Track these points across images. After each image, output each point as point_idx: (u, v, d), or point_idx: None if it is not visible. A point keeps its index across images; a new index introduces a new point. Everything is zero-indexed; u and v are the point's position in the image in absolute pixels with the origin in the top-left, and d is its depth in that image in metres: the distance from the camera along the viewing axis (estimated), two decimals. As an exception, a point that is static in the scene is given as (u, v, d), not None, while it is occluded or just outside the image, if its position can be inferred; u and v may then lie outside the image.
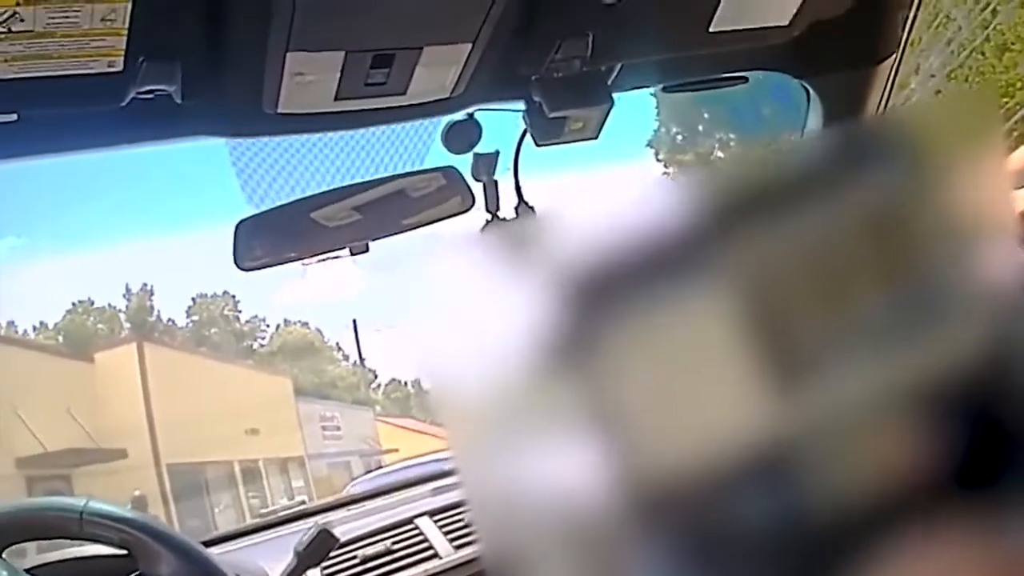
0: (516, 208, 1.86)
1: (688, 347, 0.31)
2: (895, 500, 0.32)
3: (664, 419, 0.31)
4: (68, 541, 1.61)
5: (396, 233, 1.86)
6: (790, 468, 0.32)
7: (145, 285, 22.44)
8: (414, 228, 1.87)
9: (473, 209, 1.85)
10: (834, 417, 0.31)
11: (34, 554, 1.82)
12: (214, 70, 1.39)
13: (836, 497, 0.31)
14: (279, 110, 1.48)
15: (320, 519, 1.94)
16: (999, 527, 0.32)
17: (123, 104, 1.36)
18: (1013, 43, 10.24)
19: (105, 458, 14.41)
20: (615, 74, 1.74)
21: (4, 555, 1.53)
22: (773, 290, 0.32)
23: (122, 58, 1.27)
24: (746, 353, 0.31)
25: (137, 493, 12.90)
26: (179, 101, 1.39)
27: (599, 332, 0.31)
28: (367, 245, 1.82)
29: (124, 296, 22.45)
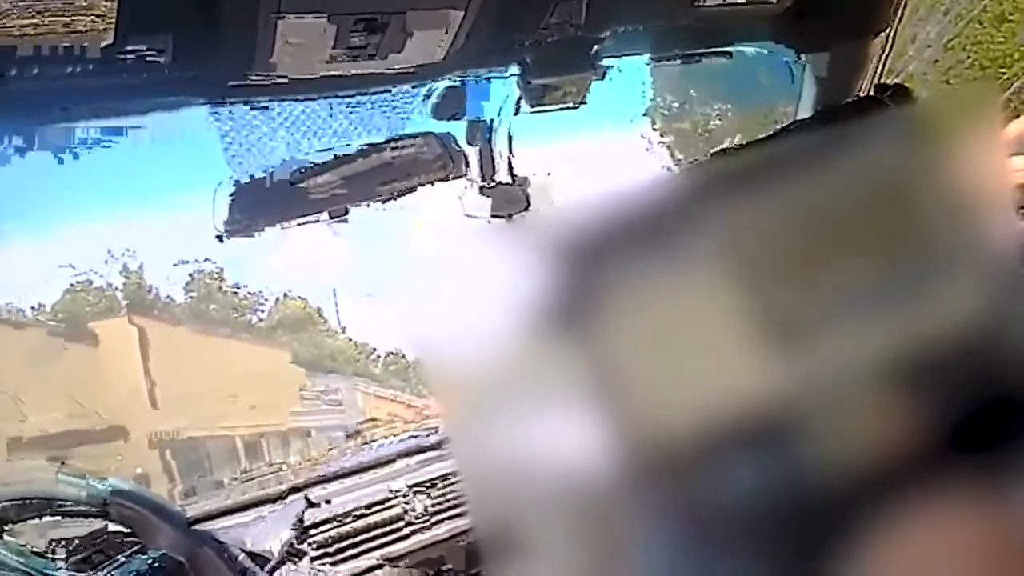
0: (509, 173, 1.87)
1: (686, 315, 0.32)
2: (893, 465, 0.33)
3: (662, 387, 0.32)
4: (69, 518, 1.63)
5: (385, 199, 1.87)
6: (787, 435, 0.33)
7: (142, 264, 22.43)
8: (404, 193, 1.89)
9: (465, 174, 1.86)
10: (830, 383, 0.33)
11: (33, 533, 1.84)
12: (205, 35, 1.40)
13: (834, 463, 0.33)
14: (269, 75, 1.49)
15: (311, 492, 1.97)
16: (996, 490, 0.34)
17: (113, 71, 1.36)
18: (1011, 14, 10.20)
19: (105, 437, 14.43)
20: (607, 41, 1.75)
21: (4, 535, 1.55)
22: (769, 257, 0.33)
23: (113, 27, 1.27)
24: (743, 321, 0.33)
25: (139, 471, 12.94)
26: (168, 67, 1.40)
27: (595, 299, 0.32)
28: (346, 209, 1.83)
29: (121, 274, 22.45)
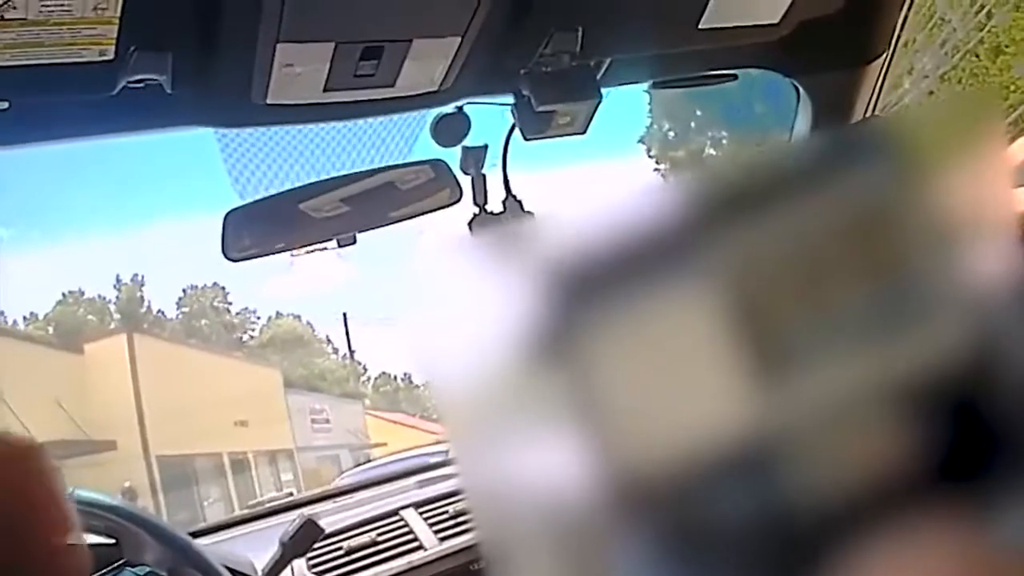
0: (504, 202, 1.86)
1: (672, 342, 0.32)
2: (877, 493, 0.32)
3: (648, 414, 0.32)
4: None
5: (384, 225, 1.86)
6: (772, 462, 0.32)
7: (136, 276, 22.38)
8: (402, 220, 1.88)
9: (461, 202, 1.85)
10: (817, 412, 0.32)
11: None
12: (204, 60, 1.39)
13: (818, 491, 0.32)
14: (268, 101, 1.49)
15: (307, 510, 1.95)
16: (983, 521, 0.33)
17: (114, 93, 1.36)
18: (1007, 46, 10.22)
19: (94, 449, 14.37)
20: (604, 69, 1.75)
21: None
22: (758, 286, 0.32)
23: (113, 47, 1.27)
24: (730, 349, 0.32)
25: (127, 484, 12.87)
26: (169, 90, 1.40)
27: (586, 327, 0.32)
28: (355, 236, 1.82)
29: (114, 287, 22.39)
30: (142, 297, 22.30)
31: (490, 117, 1.83)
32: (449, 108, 1.76)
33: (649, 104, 16.08)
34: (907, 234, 0.33)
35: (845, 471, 0.32)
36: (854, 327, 0.32)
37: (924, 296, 0.33)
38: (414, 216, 1.88)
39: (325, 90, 1.50)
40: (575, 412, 0.32)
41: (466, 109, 1.78)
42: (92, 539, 1.59)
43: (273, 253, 1.86)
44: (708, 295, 0.32)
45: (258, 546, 1.93)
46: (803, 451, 0.32)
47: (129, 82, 1.36)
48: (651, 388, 0.32)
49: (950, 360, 0.32)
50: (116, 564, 1.53)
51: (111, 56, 1.28)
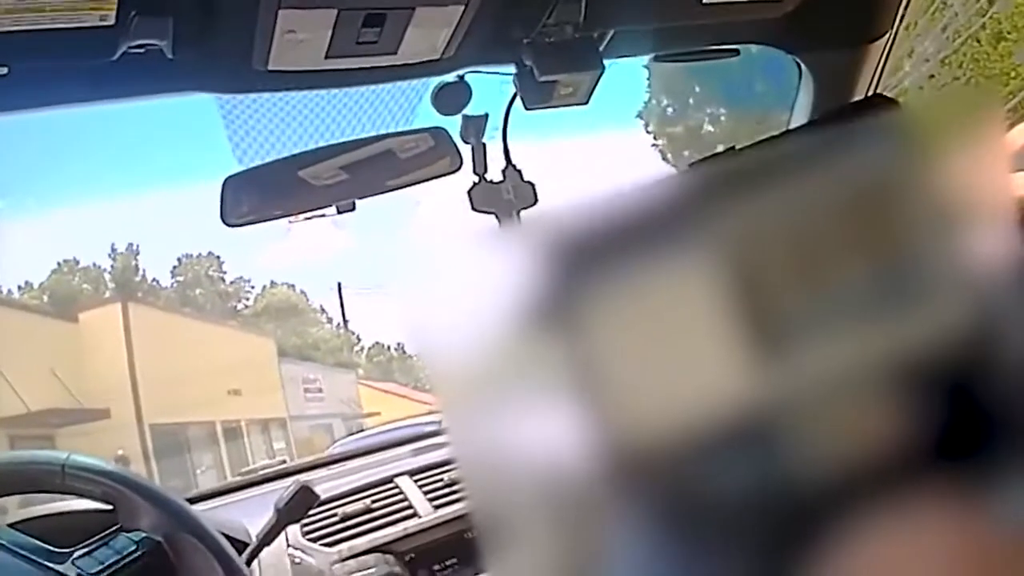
0: (503, 171, 1.86)
1: (671, 314, 0.32)
2: (876, 470, 0.32)
3: (645, 385, 0.32)
4: (50, 496, 1.61)
5: (383, 192, 1.86)
6: (770, 436, 0.32)
7: (131, 245, 22.33)
8: (401, 188, 1.87)
9: (460, 171, 1.85)
10: (815, 387, 0.32)
11: (15, 509, 1.82)
12: (206, 25, 1.38)
13: (816, 466, 0.32)
14: (270, 67, 1.48)
15: (301, 477, 1.95)
16: (980, 498, 0.33)
17: (114, 58, 1.35)
18: (1009, 32, 10.19)
19: (88, 418, 14.38)
20: (607, 41, 1.74)
21: None
22: (757, 261, 0.32)
23: (114, 12, 1.27)
24: (728, 322, 0.32)
25: (120, 452, 12.88)
26: (170, 56, 1.39)
27: (584, 297, 0.32)
28: (354, 203, 1.82)
29: (109, 255, 22.35)
30: (137, 266, 22.27)
31: (490, 87, 1.83)
32: (451, 77, 1.76)
33: (648, 79, 16.04)
34: (907, 214, 0.33)
35: (843, 447, 0.32)
36: (852, 305, 0.32)
37: (923, 276, 0.33)
38: (414, 184, 1.88)
39: (327, 57, 1.49)
40: (572, 382, 0.32)
41: (467, 78, 1.78)
42: (87, 504, 1.59)
43: (271, 219, 1.85)
44: (708, 269, 0.32)
45: (253, 512, 1.93)
46: (802, 426, 0.32)
47: (130, 47, 1.35)
48: (649, 360, 0.32)
49: (947, 339, 0.33)
50: (111, 529, 1.53)
51: (112, 21, 1.28)
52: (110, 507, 1.55)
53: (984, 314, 0.34)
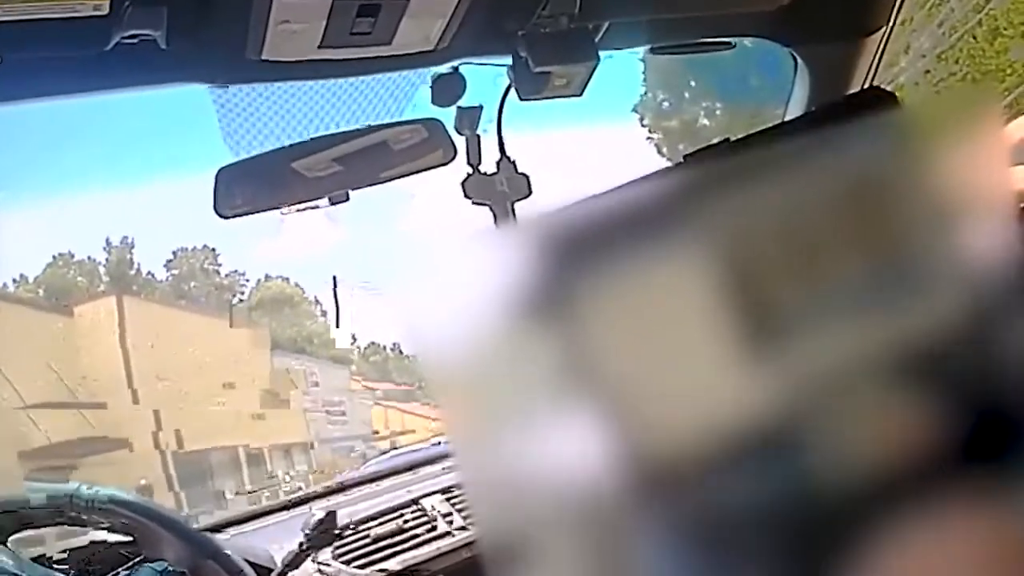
0: (498, 163, 1.86)
1: (671, 310, 0.32)
2: (897, 472, 0.32)
3: (647, 385, 0.32)
4: (74, 529, 1.61)
5: (377, 183, 1.85)
6: (789, 441, 0.32)
7: (125, 238, 22.28)
8: (395, 179, 1.87)
9: (454, 162, 1.85)
10: (813, 385, 0.32)
11: (53, 541, 1.81)
12: (200, 15, 1.38)
13: (837, 470, 0.32)
14: (264, 57, 1.48)
15: (331, 499, 1.94)
16: (1005, 502, 0.33)
17: (108, 48, 1.35)
18: (1005, 28, 10.20)
19: (109, 448, 14.36)
20: (602, 32, 1.74)
21: (9, 543, 1.52)
22: (755, 254, 0.32)
23: (108, 1, 1.26)
24: (726, 315, 0.32)
25: (143, 482, 12.84)
26: (164, 46, 1.39)
27: (582, 293, 0.32)
28: (347, 194, 1.81)
29: (104, 249, 22.30)
30: (131, 259, 22.22)
31: (485, 78, 1.83)
32: (445, 68, 1.76)
33: (643, 73, 16.03)
34: (904, 209, 0.33)
35: (864, 450, 0.32)
36: (849, 299, 0.32)
37: (920, 270, 0.33)
38: (407, 175, 1.87)
39: (321, 47, 1.49)
40: (573, 382, 0.32)
41: (462, 70, 1.78)
42: (113, 537, 1.59)
43: (264, 211, 1.85)
44: (706, 263, 0.31)
45: (278, 537, 1.95)
46: (821, 430, 0.32)
47: (123, 37, 1.35)
48: (649, 358, 0.31)
49: (945, 334, 0.33)
50: (134, 561, 1.53)
51: (105, 11, 1.27)
52: (131, 539, 1.55)
53: (981, 308, 0.33)
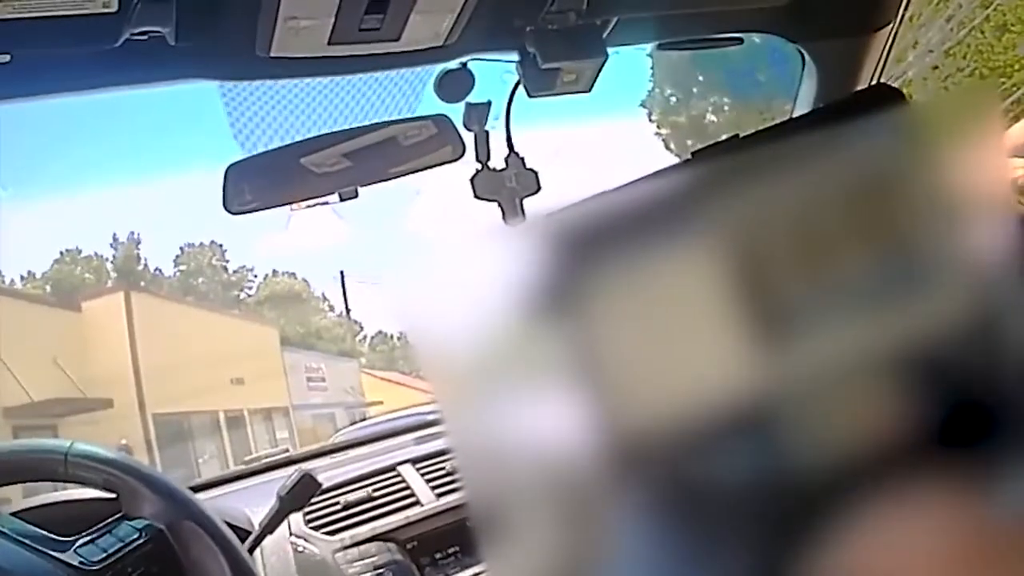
0: (506, 159, 1.86)
1: (675, 303, 0.32)
2: (876, 458, 0.32)
3: (646, 372, 0.32)
4: (52, 485, 1.61)
5: (385, 180, 1.86)
6: (771, 424, 0.32)
7: (132, 234, 22.37)
8: (404, 175, 1.87)
9: (463, 158, 1.85)
10: (817, 375, 0.32)
11: (19, 498, 1.82)
12: (208, 12, 1.38)
13: (817, 454, 0.32)
14: (272, 54, 1.48)
15: (304, 466, 1.95)
16: (981, 487, 0.33)
17: (117, 45, 1.35)
18: (1013, 24, 10.21)
19: (91, 407, 14.41)
20: (610, 28, 1.74)
21: None
22: (759, 250, 0.32)
23: (116, -8, 1.27)
24: (732, 310, 0.32)
25: (123, 442, 12.91)
26: (172, 43, 1.39)
27: (588, 287, 0.32)
28: (356, 190, 1.81)
29: (111, 245, 22.39)
30: (139, 255, 22.31)
31: (494, 75, 1.83)
32: (454, 64, 1.76)
33: (651, 68, 16.05)
34: (910, 205, 0.33)
35: (844, 435, 0.32)
36: (854, 294, 0.32)
37: (925, 266, 0.33)
38: (416, 171, 1.88)
39: (329, 43, 1.49)
40: (575, 370, 0.32)
41: (470, 66, 1.78)
42: (90, 493, 1.59)
43: (274, 207, 1.85)
44: (712, 258, 0.32)
45: (255, 500, 1.94)
46: (802, 414, 0.32)
47: (132, 34, 1.35)
48: (652, 347, 0.32)
49: (948, 329, 0.33)
50: (114, 517, 1.53)
51: (114, 8, 1.27)
52: (113, 495, 1.55)
53: (984, 304, 0.34)
